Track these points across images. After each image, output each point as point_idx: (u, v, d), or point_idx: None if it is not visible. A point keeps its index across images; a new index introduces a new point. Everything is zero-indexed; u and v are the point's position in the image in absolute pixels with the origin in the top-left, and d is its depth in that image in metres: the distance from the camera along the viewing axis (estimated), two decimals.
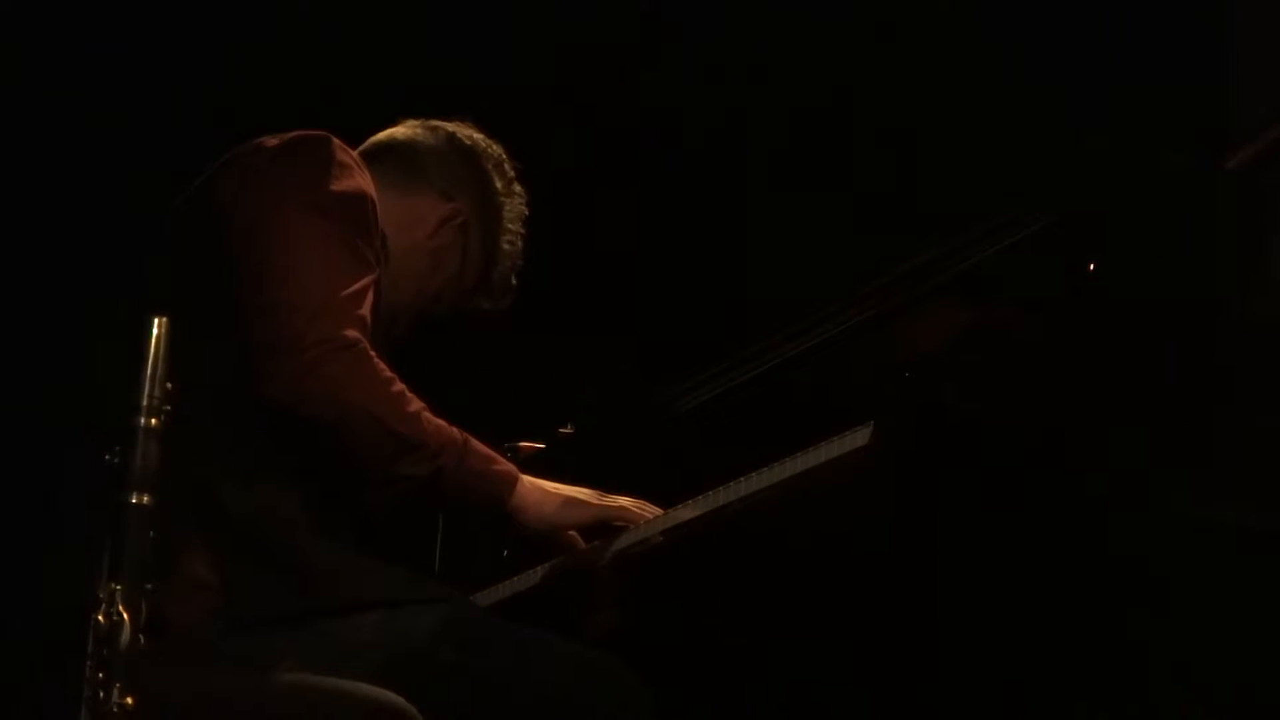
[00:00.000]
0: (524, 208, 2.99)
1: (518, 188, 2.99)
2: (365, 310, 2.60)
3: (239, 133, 2.76)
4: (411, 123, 2.99)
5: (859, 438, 2.53)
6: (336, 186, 2.66)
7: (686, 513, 2.74)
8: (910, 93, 4.04)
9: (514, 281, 3.01)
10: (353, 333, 2.56)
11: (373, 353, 2.59)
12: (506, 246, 2.98)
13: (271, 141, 2.71)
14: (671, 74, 4.23)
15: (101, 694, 1.96)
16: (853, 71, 4.13)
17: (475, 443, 2.70)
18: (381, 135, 2.97)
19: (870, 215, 3.93)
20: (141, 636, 1.98)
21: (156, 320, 2.03)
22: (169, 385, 2.02)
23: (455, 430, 2.68)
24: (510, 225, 2.97)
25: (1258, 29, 3.82)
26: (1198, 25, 3.80)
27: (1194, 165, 2.67)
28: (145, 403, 2.01)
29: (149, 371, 2.02)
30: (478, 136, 2.99)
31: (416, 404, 2.63)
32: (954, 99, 3.97)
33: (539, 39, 4.18)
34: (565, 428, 3.24)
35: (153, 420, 2.02)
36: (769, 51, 4.21)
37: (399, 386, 2.62)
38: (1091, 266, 2.51)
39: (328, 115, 2.80)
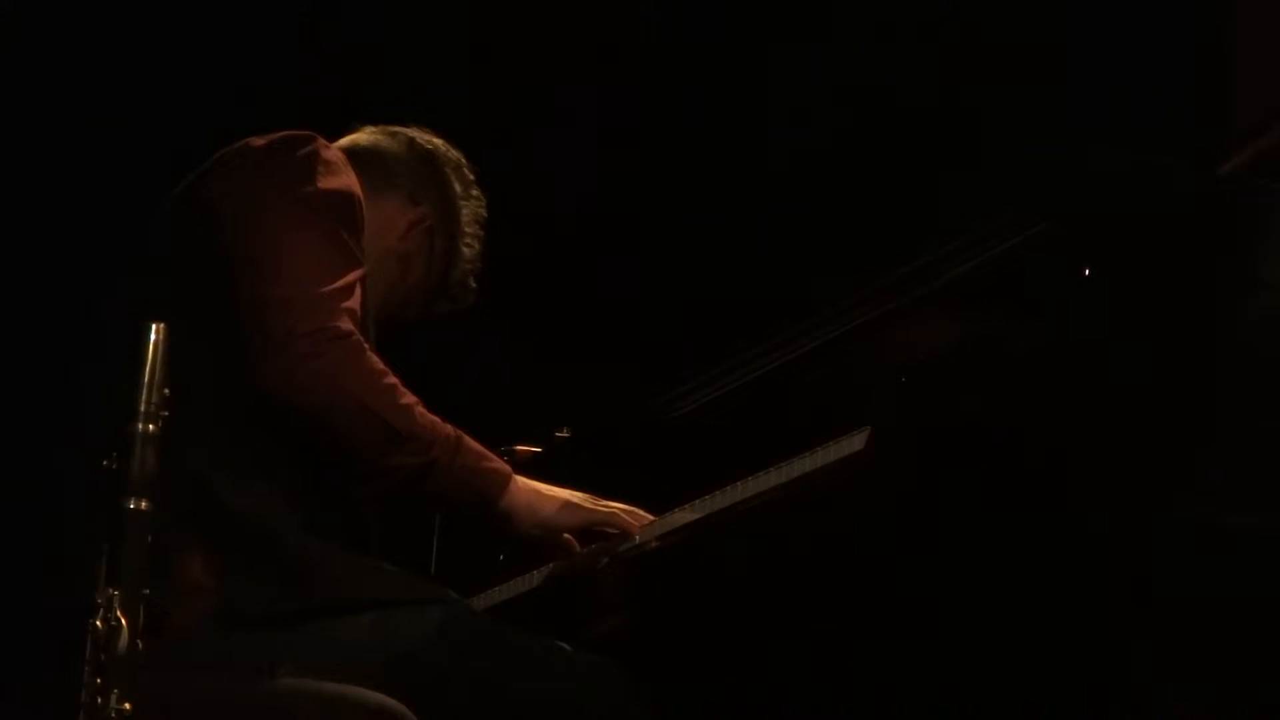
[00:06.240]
0: (482, 210, 3.01)
1: (476, 191, 3.01)
2: (355, 304, 2.61)
3: (227, 134, 2.77)
4: (370, 128, 3.00)
5: (855, 443, 2.53)
6: (324, 184, 2.67)
7: (683, 517, 2.74)
8: (910, 95, 4.04)
9: (473, 284, 3.02)
10: (346, 324, 2.57)
11: (366, 345, 2.60)
12: (466, 249, 3.00)
13: (259, 141, 2.72)
14: (671, 79, 4.24)
15: (99, 699, 1.97)
16: (852, 73, 4.13)
17: (469, 440, 2.69)
18: (344, 141, 2.96)
19: (866, 220, 3.94)
20: (140, 642, 1.99)
21: (154, 326, 2.03)
22: (166, 391, 2.03)
23: (449, 426, 2.67)
24: (468, 228, 3.00)
25: (1257, 29, 3.82)
26: (1197, 25, 3.80)
27: (1193, 169, 2.68)
28: (143, 409, 2.02)
29: (147, 377, 2.02)
30: (437, 141, 3.01)
31: (410, 397, 2.63)
32: (950, 103, 3.98)
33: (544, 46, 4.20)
34: (561, 432, 3.25)
35: (150, 426, 2.02)
36: (770, 55, 4.21)
37: (392, 379, 2.62)
38: (1086, 272, 2.50)
39: (315, 116, 2.81)
